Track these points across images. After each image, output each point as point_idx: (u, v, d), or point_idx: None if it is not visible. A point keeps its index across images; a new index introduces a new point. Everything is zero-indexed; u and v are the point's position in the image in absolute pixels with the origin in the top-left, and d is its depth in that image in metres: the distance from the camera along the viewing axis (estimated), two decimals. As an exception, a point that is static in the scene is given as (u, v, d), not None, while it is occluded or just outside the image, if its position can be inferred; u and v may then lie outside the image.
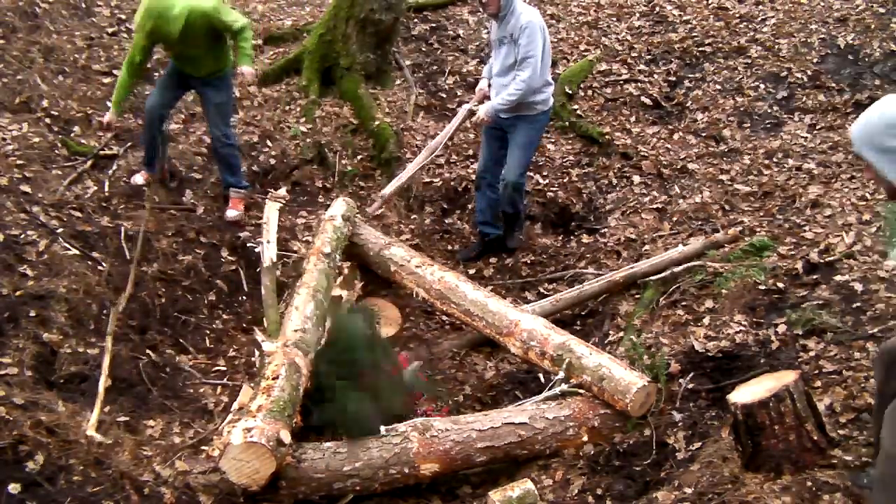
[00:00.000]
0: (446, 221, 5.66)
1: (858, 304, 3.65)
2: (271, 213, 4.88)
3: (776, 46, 6.60)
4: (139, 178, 4.94)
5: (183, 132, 5.75)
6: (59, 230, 4.19)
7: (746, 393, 2.84)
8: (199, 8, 4.37)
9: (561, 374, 3.76)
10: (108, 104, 5.56)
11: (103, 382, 3.51)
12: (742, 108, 6.13)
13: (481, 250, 5.43)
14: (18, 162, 4.55)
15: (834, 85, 6.03)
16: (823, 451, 2.83)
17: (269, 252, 4.56)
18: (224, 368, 4.13)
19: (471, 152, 6.12)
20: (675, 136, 6.10)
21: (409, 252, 4.75)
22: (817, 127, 5.74)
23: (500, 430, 3.48)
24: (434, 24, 7.52)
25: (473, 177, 5.92)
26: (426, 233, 5.59)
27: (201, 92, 4.88)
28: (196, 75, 4.76)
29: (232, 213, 5.00)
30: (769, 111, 6.03)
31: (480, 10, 4.66)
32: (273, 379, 3.38)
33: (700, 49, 6.82)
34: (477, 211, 5.44)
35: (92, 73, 5.85)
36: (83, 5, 6.62)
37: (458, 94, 6.67)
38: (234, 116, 6.03)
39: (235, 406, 3.67)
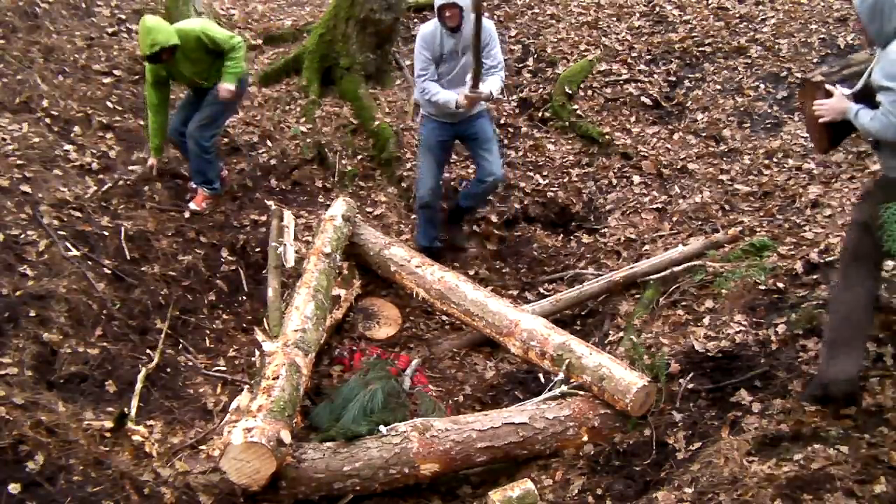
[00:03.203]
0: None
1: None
2: (289, 218, 4.91)
3: (776, 46, 6.60)
4: (193, 206, 5.02)
5: (183, 132, 5.74)
6: (60, 230, 4.19)
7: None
8: (185, 30, 4.61)
9: (561, 375, 3.76)
10: (109, 104, 5.60)
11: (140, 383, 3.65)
12: (742, 108, 6.13)
13: None
14: (18, 162, 4.55)
15: (834, 85, 6.03)
16: None
17: (289, 254, 4.58)
18: (224, 368, 4.13)
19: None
20: (675, 136, 6.10)
21: (409, 252, 4.75)
22: (817, 127, 5.73)
23: (500, 430, 3.48)
24: (434, 24, 7.51)
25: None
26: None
27: (203, 99, 4.95)
28: (208, 86, 4.87)
29: (193, 206, 5.01)
30: (769, 111, 6.03)
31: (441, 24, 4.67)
32: (273, 379, 3.39)
33: (700, 49, 6.82)
34: (430, 231, 5.20)
35: (92, 73, 5.85)
36: (83, 5, 6.62)
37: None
38: (234, 116, 6.04)
39: (233, 406, 3.67)
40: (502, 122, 6.44)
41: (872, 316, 3.16)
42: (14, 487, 2.69)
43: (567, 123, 6.36)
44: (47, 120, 5.15)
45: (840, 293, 3.13)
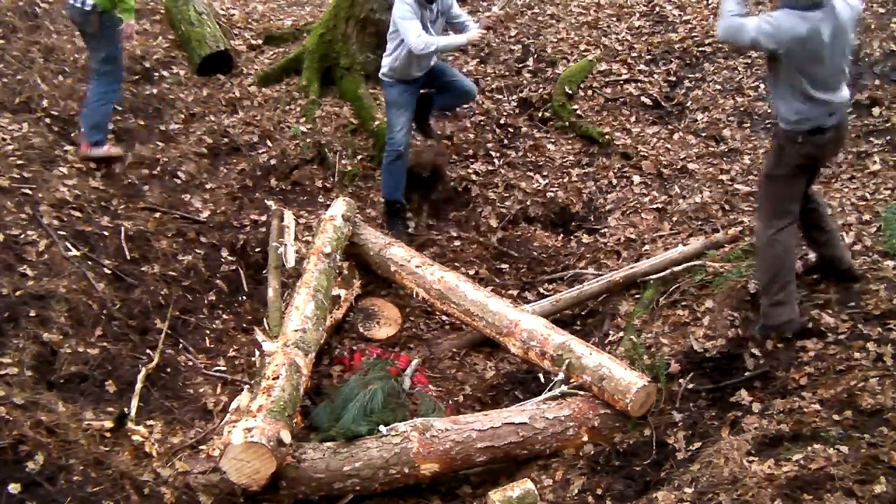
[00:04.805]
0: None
1: (858, 303, 3.66)
2: (289, 218, 4.91)
3: (776, 46, 6.59)
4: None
5: (183, 132, 5.75)
6: (60, 230, 4.19)
7: None
8: None
9: (561, 375, 3.76)
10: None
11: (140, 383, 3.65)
12: (742, 108, 6.12)
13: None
14: (18, 162, 4.55)
15: (834, 85, 6.02)
16: None
17: (290, 254, 4.58)
18: (224, 368, 4.13)
19: (470, 152, 6.12)
20: (675, 136, 6.10)
21: (409, 252, 4.75)
22: (817, 127, 5.73)
23: (500, 430, 3.48)
24: (434, 24, 7.51)
25: (473, 177, 5.94)
26: (424, 233, 5.60)
27: None
28: None
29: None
30: (769, 111, 6.02)
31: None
32: (273, 379, 3.39)
33: (700, 49, 6.81)
34: (397, 183, 5.36)
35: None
36: (83, 5, 6.61)
37: (458, 94, 6.66)
38: (234, 116, 6.05)
39: (233, 406, 3.67)
40: (502, 122, 6.44)
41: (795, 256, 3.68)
42: (14, 487, 2.69)
43: (567, 123, 6.36)
44: (47, 120, 5.16)
45: (766, 248, 3.54)
